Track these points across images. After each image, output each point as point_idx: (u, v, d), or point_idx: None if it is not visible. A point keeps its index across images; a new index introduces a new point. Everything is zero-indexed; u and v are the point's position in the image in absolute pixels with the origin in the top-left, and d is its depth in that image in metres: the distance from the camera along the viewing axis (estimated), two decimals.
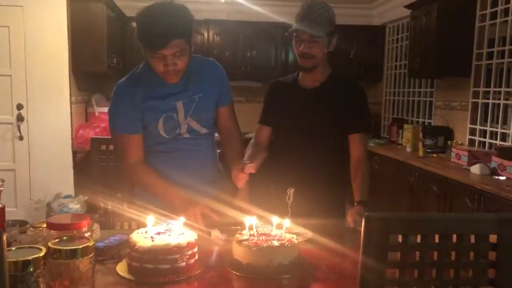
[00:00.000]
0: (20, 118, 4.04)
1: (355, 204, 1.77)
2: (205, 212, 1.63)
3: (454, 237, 0.96)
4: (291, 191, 1.74)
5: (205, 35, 5.38)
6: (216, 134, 1.92)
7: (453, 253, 0.97)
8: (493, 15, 3.76)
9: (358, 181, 1.84)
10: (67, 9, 4.06)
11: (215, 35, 5.41)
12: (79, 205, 3.88)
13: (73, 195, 4.09)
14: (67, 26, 4.08)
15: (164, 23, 1.55)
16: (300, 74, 1.97)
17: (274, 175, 1.95)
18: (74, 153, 4.17)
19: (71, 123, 4.18)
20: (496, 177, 3.03)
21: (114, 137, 1.79)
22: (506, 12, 3.62)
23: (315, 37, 1.80)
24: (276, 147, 1.99)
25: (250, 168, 1.68)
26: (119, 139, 1.76)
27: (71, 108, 4.16)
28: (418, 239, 0.95)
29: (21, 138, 4.06)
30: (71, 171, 4.17)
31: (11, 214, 2.53)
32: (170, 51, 1.57)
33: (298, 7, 1.87)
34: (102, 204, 3.13)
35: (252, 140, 1.98)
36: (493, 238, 0.96)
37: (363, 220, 0.92)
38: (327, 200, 1.88)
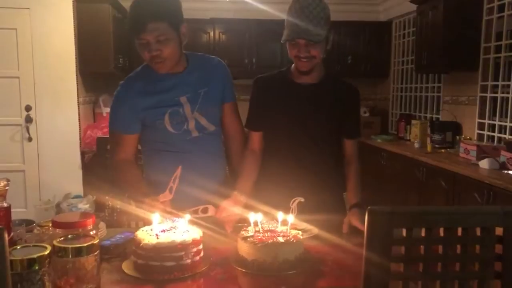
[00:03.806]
0: (28, 120, 4.08)
1: (351, 207, 1.71)
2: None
3: (460, 230, 0.94)
4: (295, 203, 1.53)
5: (211, 34, 5.38)
6: None
7: (458, 246, 0.96)
8: (501, 8, 3.71)
9: (352, 183, 1.79)
10: (73, 10, 4.10)
11: (221, 34, 5.41)
12: (88, 205, 3.91)
13: (82, 195, 4.12)
14: (74, 28, 4.12)
15: (143, 7, 1.59)
16: (291, 69, 1.84)
17: (273, 175, 1.82)
18: (83, 153, 4.20)
19: (79, 123, 4.22)
20: (505, 171, 2.99)
21: (109, 131, 1.85)
22: None
23: (314, 41, 1.66)
24: (272, 146, 1.85)
25: (166, 195, 1.64)
26: (113, 134, 1.83)
27: (79, 108, 4.20)
28: (423, 233, 0.94)
29: (30, 139, 4.10)
30: (80, 171, 4.22)
31: (21, 214, 2.55)
32: (151, 35, 1.58)
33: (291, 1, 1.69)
34: (110, 203, 3.14)
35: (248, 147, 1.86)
36: (499, 230, 0.95)
37: (366, 214, 0.91)
38: (329, 197, 1.82)
